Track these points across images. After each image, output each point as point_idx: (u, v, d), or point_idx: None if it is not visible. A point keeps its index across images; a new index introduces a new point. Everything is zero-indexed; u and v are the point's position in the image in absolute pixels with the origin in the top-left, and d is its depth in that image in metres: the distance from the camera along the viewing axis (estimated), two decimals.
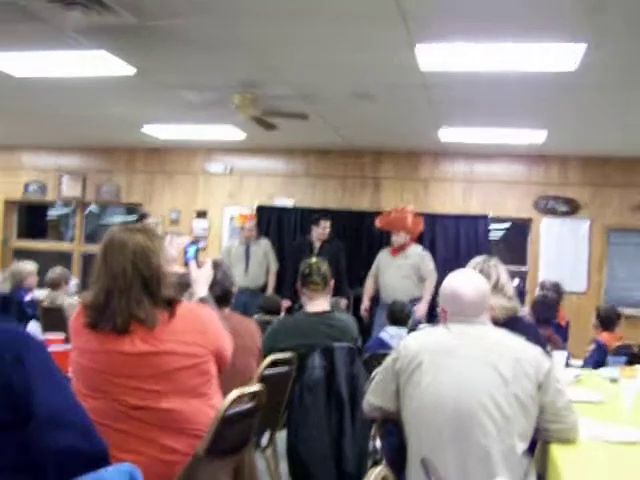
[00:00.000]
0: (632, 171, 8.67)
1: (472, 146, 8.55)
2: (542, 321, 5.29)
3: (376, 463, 2.08)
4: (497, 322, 2.91)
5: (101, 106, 7.38)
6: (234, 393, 2.56)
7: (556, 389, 2.54)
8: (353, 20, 4.56)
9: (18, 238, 10.88)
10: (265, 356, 3.81)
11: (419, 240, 8.27)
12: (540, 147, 8.23)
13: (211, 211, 9.87)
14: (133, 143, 9.71)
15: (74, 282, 7.22)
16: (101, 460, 1.73)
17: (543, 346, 3.17)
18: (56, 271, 6.78)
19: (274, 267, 8.67)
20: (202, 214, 9.88)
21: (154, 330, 2.40)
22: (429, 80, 5.74)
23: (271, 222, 9.43)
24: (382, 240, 8.53)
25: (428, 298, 7.42)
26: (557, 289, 6.25)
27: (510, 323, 3.26)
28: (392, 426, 2.80)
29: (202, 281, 3.06)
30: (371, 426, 2.80)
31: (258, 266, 8.54)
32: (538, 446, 2.78)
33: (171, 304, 2.47)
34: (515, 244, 9.56)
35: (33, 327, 5.48)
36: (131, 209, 10.62)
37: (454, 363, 2.56)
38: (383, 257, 7.96)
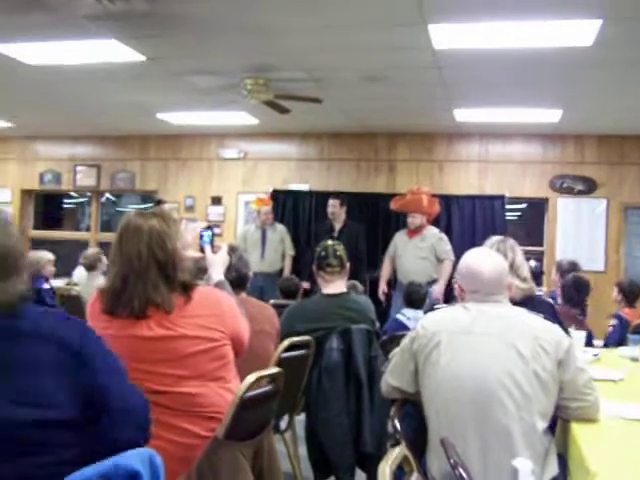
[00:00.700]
0: None
1: (487, 126, 8.49)
2: (571, 302, 5.24)
3: (396, 444, 2.07)
4: (514, 302, 2.89)
5: (114, 94, 7.38)
6: (252, 376, 2.56)
7: (576, 367, 2.51)
8: (365, 1, 4.53)
9: (34, 228, 10.93)
10: (282, 340, 3.81)
11: (435, 222, 8.23)
12: (556, 126, 8.16)
13: (225, 197, 9.87)
14: (146, 130, 9.72)
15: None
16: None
17: (562, 325, 3.14)
18: (89, 252, 6.87)
19: (290, 252, 8.68)
20: (217, 200, 9.88)
21: (171, 314, 2.40)
22: (442, 60, 5.69)
23: (286, 206, 9.43)
24: (398, 222, 8.52)
25: (446, 279, 7.39)
26: (575, 268, 6.20)
27: (527, 302, 3.25)
28: (411, 407, 2.79)
29: (218, 265, 3.05)
30: (390, 407, 2.78)
31: (274, 251, 8.55)
32: (558, 424, 2.77)
33: (187, 288, 2.47)
34: (531, 224, 9.51)
35: None
36: (146, 197, 10.65)
37: (472, 342, 2.54)
38: (400, 239, 7.93)
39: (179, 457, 2.32)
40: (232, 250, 3.49)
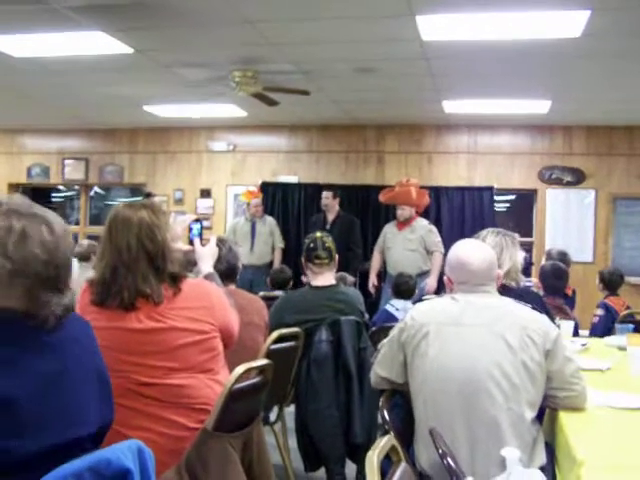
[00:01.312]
0: (637, 139, 8.64)
1: (475, 118, 8.50)
2: (552, 291, 5.24)
3: (385, 435, 2.08)
4: (502, 292, 2.90)
5: (101, 86, 7.34)
6: (241, 368, 2.56)
7: (564, 356, 2.53)
8: None
9: None
10: (272, 331, 3.81)
11: (425, 213, 8.24)
12: (544, 117, 8.18)
13: (215, 190, 9.85)
14: (135, 123, 9.68)
15: None
16: None
17: (550, 316, 3.16)
18: (84, 245, 6.84)
19: (280, 244, 8.68)
20: (206, 193, 9.86)
21: (160, 306, 2.40)
22: (431, 51, 5.69)
23: (276, 198, 9.42)
24: (388, 214, 8.52)
25: (437, 272, 7.38)
26: (564, 258, 6.21)
27: (513, 292, 3.26)
28: (400, 397, 2.80)
29: (207, 258, 3.05)
30: (379, 398, 2.79)
31: (264, 244, 8.55)
32: (546, 414, 2.78)
33: (176, 280, 2.47)
34: (520, 215, 9.53)
35: None
36: (135, 190, 10.61)
37: (461, 333, 2.55)
38: (389, 231, 7.94)
39: (168, 449, 2.31)
40: (221, 242, 3.49)
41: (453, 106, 7.85)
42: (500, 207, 9.48)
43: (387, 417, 2.60)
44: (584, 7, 4.57)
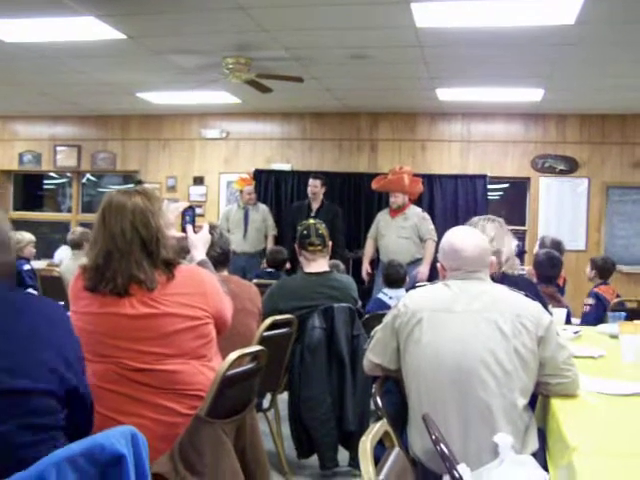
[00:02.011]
0: (630, 128, 8.64)
1: (469, 106, 8.49)
2: (546, 280, 5.25)
3: (378, 421, 2.08)
4: (495, 279, 2.91)
5: (93, 73, 7.30)
6: (234, 354, 2.56)
7: (557, 344, 2.53)
8: None
9: (14, 209, 10.83)
10: (265, 318, 3.81)
11: (418, 201, 8.24)
12: (537, 105, 8.17)
13: (207, 177, 9.83)
14: (127, 110, 9.63)
15: None
16: None
17: (544, 303, 3.16)
18: (77, 232, 6.83)
19: (273, 232, 8.67)
20: (199, 180, 9.84)
21: (153, 292, 2.39)
22: (425, 39, 5.67)
23: (269, 185, 9.39)
24: (381, 202, 8.52)
25: (430, 260, 7.39)
26: (558, 246, 6.22)
27: (509, 279, 3.26)
28: (392, 384, 2.80)
29: (200, 245, 3.04)
30: (372, 385, 2.80)
31: (257, 231, 8.53)
32: (539, 400, 2.79)
33: (170, 266, 2.46)
34: (513, 204, 9.54)
35: None
36: (127, 177, 10.57)
37: (454, 320, 2.55)
38: (382, 219, 7.93)
39: (161, 435, 2.32)
40: (212, 228, 3.48)
41: (447, 94, 7.83)
42: (493, 195, 9.49)
43: (380, 403, 2.61)
44: None
